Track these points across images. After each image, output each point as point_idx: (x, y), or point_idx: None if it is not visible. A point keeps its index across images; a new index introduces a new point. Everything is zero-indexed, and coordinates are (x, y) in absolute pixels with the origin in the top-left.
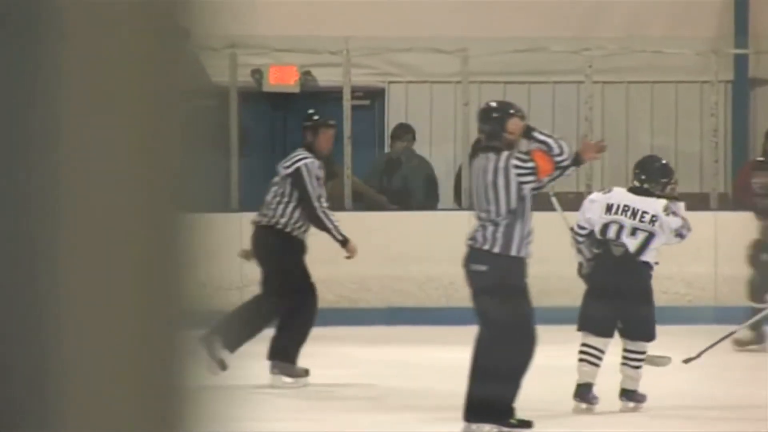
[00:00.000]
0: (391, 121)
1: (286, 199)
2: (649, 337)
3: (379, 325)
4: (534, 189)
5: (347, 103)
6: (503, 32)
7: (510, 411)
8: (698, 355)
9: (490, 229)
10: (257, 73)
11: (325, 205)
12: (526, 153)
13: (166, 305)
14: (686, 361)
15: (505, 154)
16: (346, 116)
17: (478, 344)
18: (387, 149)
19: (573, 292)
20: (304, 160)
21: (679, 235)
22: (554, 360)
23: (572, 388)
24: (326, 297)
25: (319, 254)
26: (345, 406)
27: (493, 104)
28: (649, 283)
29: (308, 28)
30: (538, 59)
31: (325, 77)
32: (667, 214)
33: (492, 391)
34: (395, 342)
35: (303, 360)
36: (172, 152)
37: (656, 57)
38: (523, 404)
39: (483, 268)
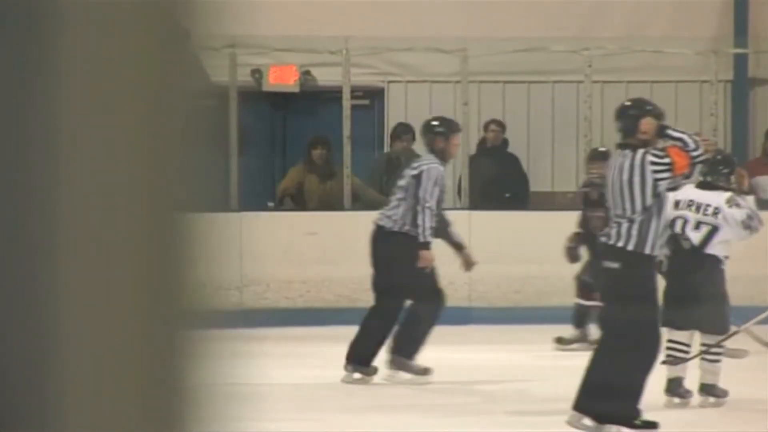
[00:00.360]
0: (391, 120)
1: (411, 202)
2: (721, 330)
3: None
4: (670, 186)
5: (347, 103)
6: (503, 32)
7: (634, 412)
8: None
9: (625, 226)
10: (257, 73)
11: (433, 209)
12: (662, 150)
13: (166, 305)
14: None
15: (641, 151)
16: (345, 116)
17: (603, 343)
18: (387, 149)
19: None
20: (430, 165)
21: (748, 227)
22: (558, 360)
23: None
24: (325, 297)
25: (318, 255)
26: (344, 406)
27: (628, 103)
28: (719, 276)
29: (308, 27)
30: (538, 59)
31: (325, 77)
32: (730, 206)
33: (615, 391)
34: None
35: (304, 360)
36: (172, 152)
37: (656, 57)
38: (525, 404)
39: (615, 265)
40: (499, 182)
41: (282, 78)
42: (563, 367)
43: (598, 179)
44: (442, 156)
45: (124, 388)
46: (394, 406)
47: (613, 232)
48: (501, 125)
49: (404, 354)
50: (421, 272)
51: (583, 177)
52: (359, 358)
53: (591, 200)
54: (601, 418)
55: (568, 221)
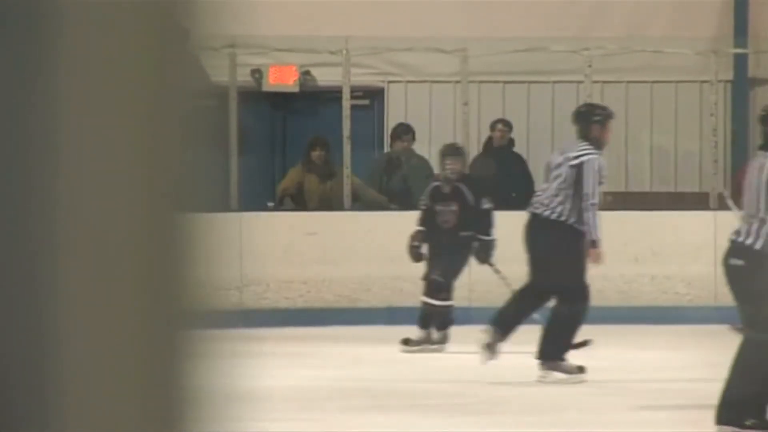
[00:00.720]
0: (391, 120)
1: (570, 191)
2: None
3: (379, 325)
4: None
5: (346, 103)
6: (503, 32)
7: None
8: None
9: (756, 225)
10: (257, 73)
11: (597, 204)
12: None
13: (166, 305)
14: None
15: None
16: (345, 116)
17: (744, 344)
18: (387, 149)
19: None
20: (589, 155)
21: None
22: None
23: (571, 389)
24: (326, 297)
25: (319, 254)
26: (344, 406)
27: None
28: None
29: (308, 28)
30: (538, 59)
31: (325, 77)
32: None
33: (757, 393)
34: (395, 342)
35: (304, 360)
36: (172, 152)
37: (656, 57)
38: (525, 405)
39: (740, 262)
40: (505, 182)
41: (282, 78)
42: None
43: (452, 174)
44: (598, 144)
45: (124, 389)
46: (394, 406)
47: (744, 230)
48: (508, 125)
49: (555, 356)
50: (577, 268)
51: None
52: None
53: (443, 194)
54: (735, 420)
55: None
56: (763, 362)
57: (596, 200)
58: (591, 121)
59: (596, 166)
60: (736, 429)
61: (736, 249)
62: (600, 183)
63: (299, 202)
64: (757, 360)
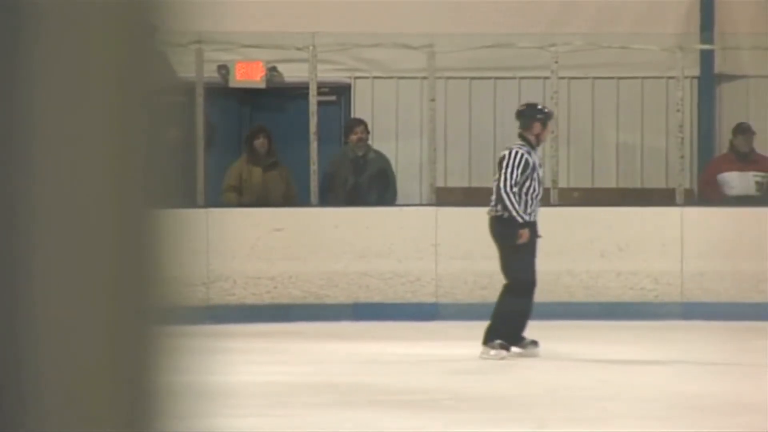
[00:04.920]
0: (357, 116)
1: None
2: None
3: (346, 321)
4: None
5: (313, 99)
6: (469, 28)
7: None
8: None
9: None
10: (223, 69)
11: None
12: None
13: (134, 301)
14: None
15: None
16: (312, 112)
17: None
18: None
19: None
20: (515, 149)
21: None
22: (523, 357)
23: (538, 385)
24: (292, 293)
25: (285, 250)
26: (311, 402)
27: None
28: None
29: (274, 23)
30: (505, 55)
31: (292, 73)
32: None
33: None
34: (361, 338)
35: (271, 356)
36: (138, 148)
37: (622, 53)
38: (491, 401)
39: None
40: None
41: (248, 74)
42: (529, 365)
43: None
44: (537, 141)
45: (93, 384)
46: (361, 402)
47: None
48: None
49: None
50: (519, 259)
51: (548, 173)
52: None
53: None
54: None
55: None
56: None
57: (509, 189)
58: (534, 119)
59: (518, 159)
60: None
61: None
62: (528, 176)
63: (244, 194)
64: None
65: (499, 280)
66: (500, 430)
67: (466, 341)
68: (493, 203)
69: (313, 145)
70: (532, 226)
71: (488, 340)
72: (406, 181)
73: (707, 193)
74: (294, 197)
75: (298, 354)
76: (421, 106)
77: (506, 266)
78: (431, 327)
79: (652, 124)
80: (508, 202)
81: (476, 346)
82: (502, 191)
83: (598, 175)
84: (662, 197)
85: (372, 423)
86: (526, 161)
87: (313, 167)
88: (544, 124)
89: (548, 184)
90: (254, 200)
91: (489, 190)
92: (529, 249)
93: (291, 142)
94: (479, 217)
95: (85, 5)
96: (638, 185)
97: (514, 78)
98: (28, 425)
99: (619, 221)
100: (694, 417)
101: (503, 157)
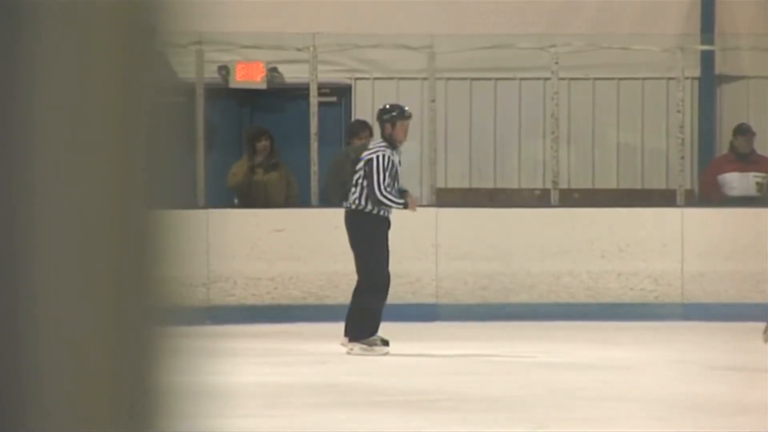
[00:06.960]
0: (358, 117)
1: (365, 183)
2: None
3: None
4: None
5: (314, 100)
6: (470, 29)
7: None
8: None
9: None
10: (224, 70)
11: (384, 194)
12: None
13: (135, 301)
14: None
15: None
16: (312, 113)
17: None
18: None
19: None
20: (377, 152)
21: None
22: (524, 357)
23: (540, 385)
24: (292, 294)
25: (285, 251)
26: (311, 402)
27: None
28: None
29: (275, 24)
30: (505, 56)
31: (292, 74)
32: None
33: None
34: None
35: (272, 357)
36: (139, 149)
37: (623, 54)
38: (491, 401)
39: None
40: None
41: (249, 75)
42: (529, 365)
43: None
44: (391, 141)
45: (93, 385)
46: (360, 402)
47: None
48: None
49: (359, 336)
50: (373, 254)
51: (549, 173)
52: None
53: None
54: None
55: (535, 218)
56: None
57: (383, 191)
58: (382, 120)
59: (384, 162)
60: None
61: None
62: (393, 176)
63: (246, 196)
64: None
65: (498, 281)
66: (500, 430)
67: (466, 342)
68: (355, 197)
69: (314, 146)
70: (387, 222)
71: (354, 337)
72: (406, 182)
73: (707, 193)
74: (296, 198)
75: (297, 354)
76: (421, 106)
77: (361, 264)
78: (431, 327)
79: (652, 125)
80: (389, 203)
81: (476, 347)
82: (379, 196)
83: (599, 176)
84: (663, 198)
85: (372, 423)
86: (392, 163)
87: (314, 168)
88: (393, 125)
89: (549, 184)
90: (255, 201)
91: (490, 191)
92: (384, 245)
93: (291, 142)
94: (479, 217)
95: (85, 5)
96: (639, 186)
97: (514, 79)
98: (28, 425)
99: (619, 222)
100: (694, 417)
101: (370, 161)
